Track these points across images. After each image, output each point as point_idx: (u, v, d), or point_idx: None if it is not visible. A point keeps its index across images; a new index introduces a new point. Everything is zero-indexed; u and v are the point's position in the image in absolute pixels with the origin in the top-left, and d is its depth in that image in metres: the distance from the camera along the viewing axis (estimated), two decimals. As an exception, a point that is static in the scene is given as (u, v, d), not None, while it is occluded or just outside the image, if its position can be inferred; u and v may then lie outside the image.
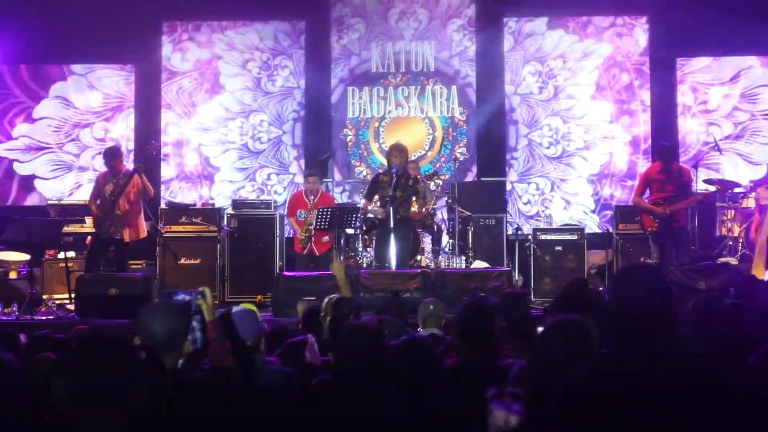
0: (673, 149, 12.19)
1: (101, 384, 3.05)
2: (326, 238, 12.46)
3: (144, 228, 12.15)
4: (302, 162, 14.85)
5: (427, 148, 14.87)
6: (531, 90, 14.90)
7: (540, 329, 4.61)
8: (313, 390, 4.63)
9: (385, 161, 12.65)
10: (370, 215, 12.23)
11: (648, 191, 12.05)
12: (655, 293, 3.27)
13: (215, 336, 4.68)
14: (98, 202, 11.91)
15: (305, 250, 12.46)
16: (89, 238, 12.69)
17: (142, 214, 12.15)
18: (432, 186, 13.11)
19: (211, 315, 4.73)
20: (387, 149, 12.59)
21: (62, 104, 15.03)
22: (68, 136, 15.01)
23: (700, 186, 12.85)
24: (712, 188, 12.86)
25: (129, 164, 13.53)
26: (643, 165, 14.47)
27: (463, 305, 5.42)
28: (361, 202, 12.36)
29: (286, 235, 13.32)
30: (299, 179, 14.53)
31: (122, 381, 3.09)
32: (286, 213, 13.06)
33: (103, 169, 12.26)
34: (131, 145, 14.93)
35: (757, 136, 14.60)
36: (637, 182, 12.33)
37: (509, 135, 14.89)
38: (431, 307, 7.44)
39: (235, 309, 5.35)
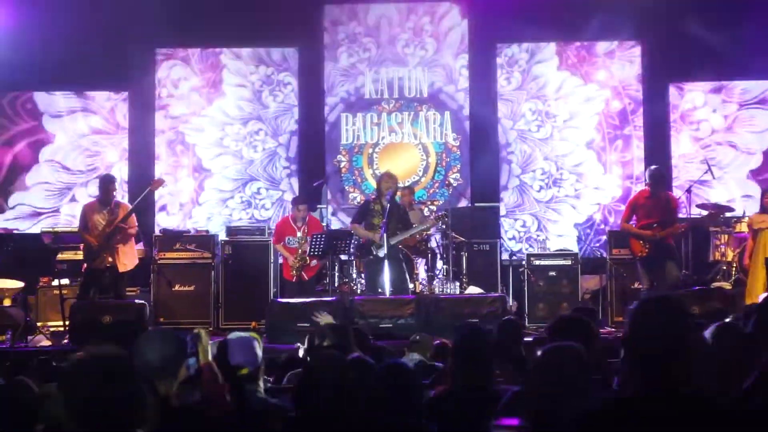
0: (664, 175, 12.22)
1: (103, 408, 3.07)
2: (314, 262, 12.50)
3: (136, 255, 12.16)
4: (295, 182, 14.89)
5: (420, 173, 14.88)
6: (524, 116, 14.94)
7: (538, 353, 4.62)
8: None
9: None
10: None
11: (635, 217, 12.08)
12: (676, 329, 3.18)
13: (210, 377, 4.62)
14: (86, 231, 11.83)
15: (295, 278, 12.47)
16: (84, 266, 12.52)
17: (133, 241, 12.13)
18: (426, 212, 13.14)
19: (205, 358, 4.68)
20: (378, 178, 12.66)
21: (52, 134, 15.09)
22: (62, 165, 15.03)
23: (693, 210, 12.87)
24: (705, 212, 12.90)
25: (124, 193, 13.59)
26: (636, 189, 14.52)
27: (459, 331, 5.43)
28: (351, 225, 12.44)
29: (279, 262, 13.31)
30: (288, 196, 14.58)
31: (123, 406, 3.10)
32: (272, 239, 13.04)
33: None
34: (125, 173, 14.92)
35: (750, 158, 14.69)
36: (624, 207, 12.34)
37: (502, 172, 14.91)
38: (417, 337, 7.62)
39: (233, 336, 5.30)
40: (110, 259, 11.69)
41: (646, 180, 12.29)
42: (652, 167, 12.42)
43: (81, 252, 12.35)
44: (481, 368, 5.07)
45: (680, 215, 12.39)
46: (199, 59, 15.14)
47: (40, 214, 14.84)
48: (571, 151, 14.85)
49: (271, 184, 14.96)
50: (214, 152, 15.01)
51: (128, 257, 11.91)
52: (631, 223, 12.10)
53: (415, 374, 4.52)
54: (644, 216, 11.94)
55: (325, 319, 8.33)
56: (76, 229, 12.40)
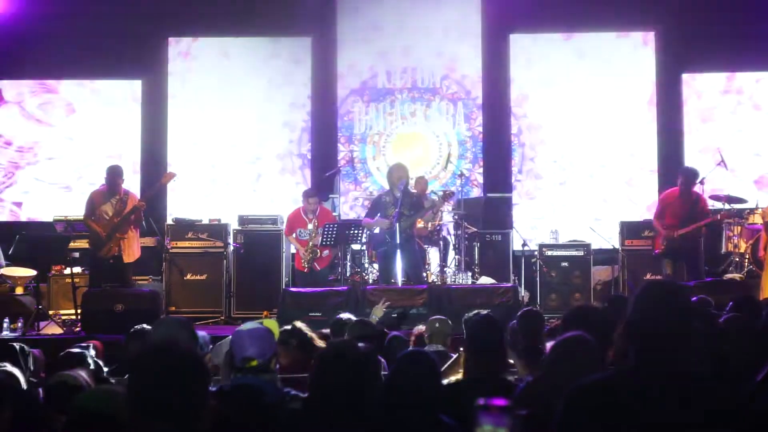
0: (697, 174, 12.18)
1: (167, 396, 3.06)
2: (326, 252, 12.49)
3: (139, 246, 12.13)
4: (307, 173, 14.87)
5: (433, 163, 14.87)
6: (538, 109, 14.91)
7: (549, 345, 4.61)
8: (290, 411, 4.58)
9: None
10: (376, 231, 12.29)
11: (665, 215, 12.09)
12: (677, 312, 3.25)
13: None
14: (93, 219, 11.80)
15: (307, 269, 12.47)
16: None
17: (138, 234, 12.12)
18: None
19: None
20: (388, 170, 12.65)
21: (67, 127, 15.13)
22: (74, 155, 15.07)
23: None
24: (719, 204, 12.87)
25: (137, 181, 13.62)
26: (649, 181, 14.52)
27: (472, 321, 5.42)
28: (363, 220, 12.49)
29: (292, 251, 13.30)
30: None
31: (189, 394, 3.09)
32: (284, 231, 13.05)
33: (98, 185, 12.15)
34: (138, 161, 14.96)
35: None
36: (657, 204, 12.36)
37: (515, 153, 14.90)
38: (437, 324, 7.47)
39: (244, 327, 5.23)
40: (116, 249, 11.67)
41: (678, 177, 12.26)
42: (685, 166, 12.41)
43: (88, 240, 12.28)
44: (495, 358, 5.05)
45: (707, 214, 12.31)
46: (209, 49, 15.15)
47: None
48: (584, 143, 14.81)
49: (286, 182, 14.97)
50: (225, 143, 15.03)
51: (134, 248, 11.88)
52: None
53: (435, 362, 4.49)
54: (671, 215, 11.98)
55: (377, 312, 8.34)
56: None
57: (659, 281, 3.42)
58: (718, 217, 12.47)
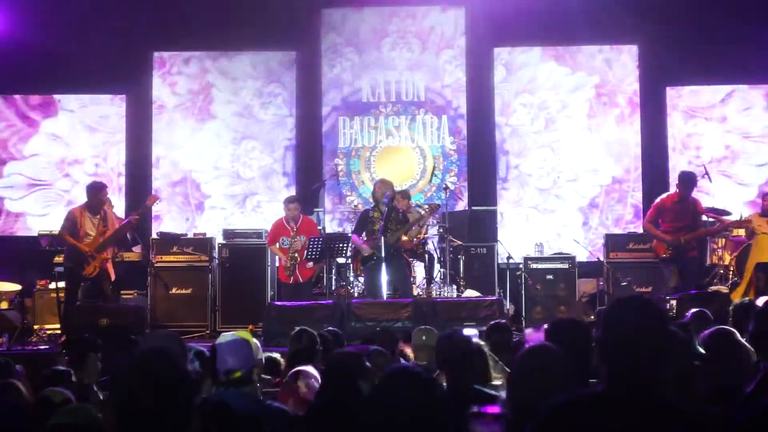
0: (695, 179, 12.26)
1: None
2: (310, 264, 12.47)
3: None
4: (293, 189, 14.85)
5: (417, 177, 14.88)
6: (522, 122, 14.93)
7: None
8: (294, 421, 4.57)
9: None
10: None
11: (660, 220, 12.12)
12: (650, 330, 3.13)
13: None
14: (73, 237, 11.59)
15: (291, 279, 12.45)
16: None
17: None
18: (423, 213, 13.13)
19: None
20: (373, 186, 12.69)
21: (52, 139, 15.05)
22: (60, 171, 14.99)
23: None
24: (727, 218, 12.92)
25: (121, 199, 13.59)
26: (633, 194, 14.55)
27: (439, 337, 5.41)
28: (351, 235, 12.49)
29: (276, 265, 13.29)
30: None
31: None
32: (267, 241, 13.03)
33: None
34: (122, 179, 14.93)
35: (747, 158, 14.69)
36: (650, 209, 12.41)
37: (499, 166, 14.91)
38: (424, 338, 7.35)
39: (223, 339, 5.20)
40: (98, 271, 11.55)
41: (677, 182, 12.33)
42: (685, 170, 12.51)
43: (64, 255, 11.97)
44: (464, 374, 5.03)
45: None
46: (194, 63, 15.14)
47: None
48: (568, 156, 14.85)
49: (271, 198, 14.90)
50: (210, 175, 15.02)
51: (113, 268, 11.86)
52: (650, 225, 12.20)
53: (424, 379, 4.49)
54: (672, 220, 12.03)
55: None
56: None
57: (630, 297, 3.31)
58: (728, 223, 12.54)
